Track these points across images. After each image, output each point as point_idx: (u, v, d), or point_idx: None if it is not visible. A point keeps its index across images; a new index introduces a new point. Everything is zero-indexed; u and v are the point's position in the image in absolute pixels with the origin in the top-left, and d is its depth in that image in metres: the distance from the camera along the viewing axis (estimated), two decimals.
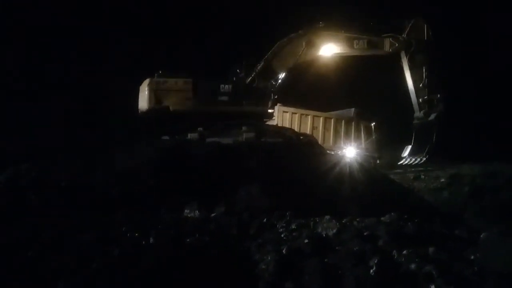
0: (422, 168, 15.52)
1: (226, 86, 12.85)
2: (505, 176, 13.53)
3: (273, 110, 13.74)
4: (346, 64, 15.30)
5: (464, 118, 22.82)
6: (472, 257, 4.97)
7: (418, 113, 12.94)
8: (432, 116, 12.67)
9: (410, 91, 13.15)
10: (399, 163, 14.09)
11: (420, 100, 12.89)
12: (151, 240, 5.52)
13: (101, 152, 10.79)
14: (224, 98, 12.79)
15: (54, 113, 20.30)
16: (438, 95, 12.78)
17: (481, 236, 5.03)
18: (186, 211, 7.31)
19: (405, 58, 13.07)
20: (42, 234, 5.53)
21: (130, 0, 29.90)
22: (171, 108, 12.43)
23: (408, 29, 13.11)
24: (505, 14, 28.54)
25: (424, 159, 12.94)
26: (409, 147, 13.04)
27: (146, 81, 12.76)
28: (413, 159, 13.10)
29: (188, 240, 5.58)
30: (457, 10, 29.76)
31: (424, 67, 12.91)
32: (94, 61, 24.58)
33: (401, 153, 13.41)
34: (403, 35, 13.07)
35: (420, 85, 12.90)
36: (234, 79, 13.12)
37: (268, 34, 17.27)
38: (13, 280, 4.50)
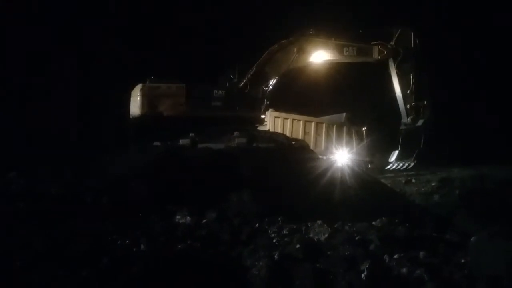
0: (413, 173, 15.62)
1: (220, 91, 12.86)
2: (495, 179, 13.66)
3: (265, 116, 13.74)
4: (337, 69, 15.45)
5: (453, 122, 23.07)
6: (463, 260, 5.01)
7: (405, 119, 13.18)
8: (420, 122, 12.91)
9: (398, 98, 13.41)
10: (386, 168, 14.26)
11: (408, 106, 13.16)
12: (142, 246, 5.49)
13: (92, 159, 10.74)
14: (218, 103, 12.79)
15: (43, 119, 20.14)
16: (425, 102, 13.02)
17: (471, 239, 5.06)
18: (177, 217, 7.27)
19: (393, 65, 13.33)
20: (32, 242, 5.48)
21: (123, 5, 29.79)
22: (164, 114, 12.38)
23: (395, 37, 13.33)
24: (496, 19, 28.94)
25: (413, 164, 13.11)
26: (396, 152, 13.25)
27: (139, 87, 12.70)
28: (401, 164, 13.29)
29: (179, 246, 5.56)
30: (446, 17, 30.15)
31: (411, 74, 13.13)
32: (85, 67, 24.47)
33: (389, 158, 13.60)
34: (391, 43, 13.28)
35: (408, 92, 13.17)
36: (227, 84, 13.13)
37: (262, 39, 17.34)
38: None
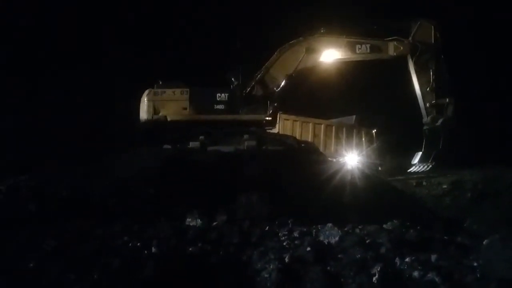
0: (424, 175, 15.44)
1: (223, 94, 12.87)
2: (506, 181, 13.50)
3: (271, 118, 13.64)
4: (346, 69, 15.15)
5: (473, 122, 22.53)
6: (475, 263, 4.95)
7: (425, 119, 12.64)
8: (440, 122, 12.38)
9: (417, 96, 12.76)
10: (408, 170, 13.75)
11: (428, 105, 12.50)
12: (153, 249, 5.52)
13: (102, 162, 10.81)
14: (221, 106, 12.80)
15: (54, 122, 20.34)
16: (447, 100, 12.54)
17: (483, 242, 5.01)
18: (187, 220, 7.30)
19: (411, 61, 12.62)
20: (42, 244, 5.53)
21: (130, 9, 30.05)
22: (168, 118, 12.53)
23: (414, 31, 12.86)
24: None
25: (431, 165, 12.69)
26: (420, 153, 12.73)
27: (146, 92, 12.94)
28: (421, 166, 12.80)
29: (190, 249, 5.57)
30: (468, 10, 29.03)
31: (431, 71, 12.46)
32: (95, 71, 24.68)
33: (411, 159, 13.05)
34: (408, 38, 12.84)
35: (427, 89, 12.50)
36: (231, 87, 13.12)
37: (266, 41, 17.27)
38: None
